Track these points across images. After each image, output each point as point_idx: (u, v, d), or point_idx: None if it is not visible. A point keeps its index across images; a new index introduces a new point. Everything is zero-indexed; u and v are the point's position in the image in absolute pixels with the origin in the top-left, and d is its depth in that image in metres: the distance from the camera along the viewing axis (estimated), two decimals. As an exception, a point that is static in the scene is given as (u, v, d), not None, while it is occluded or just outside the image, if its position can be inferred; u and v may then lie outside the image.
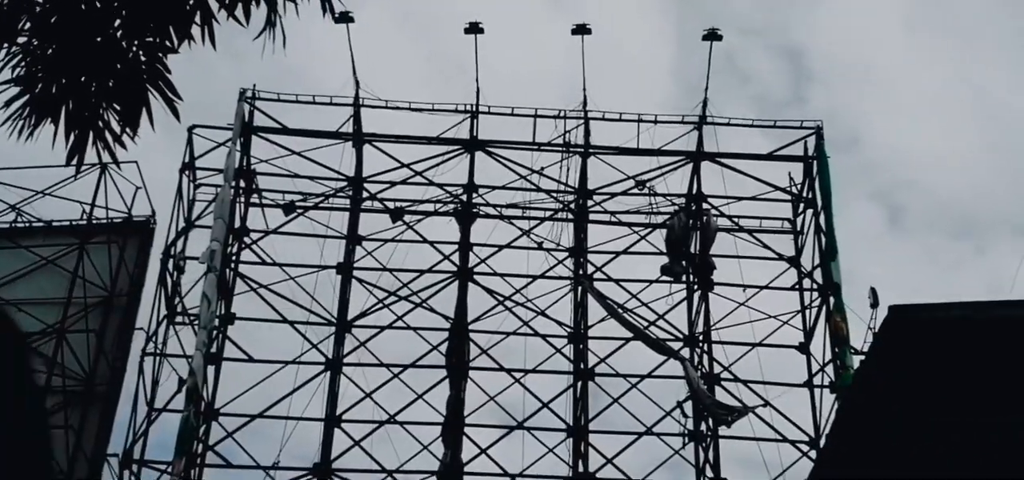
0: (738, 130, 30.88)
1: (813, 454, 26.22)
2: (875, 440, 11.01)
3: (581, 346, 28.29)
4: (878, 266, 59.40)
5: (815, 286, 28.50)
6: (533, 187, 30.26)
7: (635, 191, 30.33)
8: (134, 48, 6.51)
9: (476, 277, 28.84)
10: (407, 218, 29.82)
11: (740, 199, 30.31)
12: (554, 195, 30.40)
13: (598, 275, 29.42)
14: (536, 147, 30.17)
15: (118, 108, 6.54)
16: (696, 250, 29.69)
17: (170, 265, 27.47)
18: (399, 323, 28.42)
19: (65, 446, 25.79)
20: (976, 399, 10.07)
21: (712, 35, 29.62)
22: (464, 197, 29.84)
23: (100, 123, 6.52)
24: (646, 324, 28.53)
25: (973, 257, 66.54)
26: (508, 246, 29.52)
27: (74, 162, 6.67)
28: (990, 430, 10.06)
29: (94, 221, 28.50)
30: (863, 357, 20.34)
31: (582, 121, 30.15)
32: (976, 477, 10.07)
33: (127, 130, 6.58)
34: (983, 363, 9.99)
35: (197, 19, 6.50)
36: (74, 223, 28.58)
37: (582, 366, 27.95)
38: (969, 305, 10.08)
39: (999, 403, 10.00)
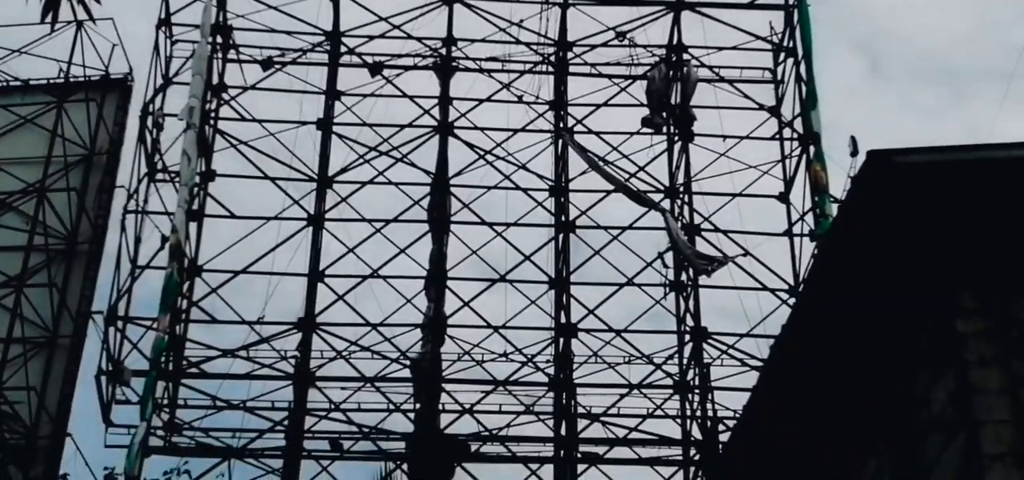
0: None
1: (793, 302, 26.48)
2: (853, 287, 11.09)
3: (562, 199, 28.32)
4: (859, 115, 59.51)
5: (795, 135, 28.45)
6: (512, 40, 30.01)
7: (615, 43, 30.12)
8: None
9: (457, 131, 28.78)
10: (386, 73, 29.63)
11: (721, 49, 30.11)
12: (534, 48, 30.16)
13: (579, 128, 29.33)
14: (515, -1, 29.92)
15: (92, -41, 6.46)
16: (676, 101, 29.61)
17: (149, 122, 27.25)
18: (380, 178, 28.42)
19: (49, 304, 25.96)
20: (954, 243, 10.12)
21: None
22: (443, 51, 29.62)
23: (74, -25, 6.45)
24: (627, 176, 28.53)
25: (953, 104, 66.71)
26: (488, 100, 29.33)
27: (49, 19, 6.61)
28: (968, 272, 10.11)
29: (72, 79, 28.33)
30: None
31: (561, -28, 29.83)
32: (954, 321, 10.14)
33: (101, -19, 6.51)
34: (961, 206, 10.02)
35: None
36: (52, 81, 28.39)
37: (563, 219, 28.01)
38: (946, 148, 10.11)
39: (977, 247, 10.07)
